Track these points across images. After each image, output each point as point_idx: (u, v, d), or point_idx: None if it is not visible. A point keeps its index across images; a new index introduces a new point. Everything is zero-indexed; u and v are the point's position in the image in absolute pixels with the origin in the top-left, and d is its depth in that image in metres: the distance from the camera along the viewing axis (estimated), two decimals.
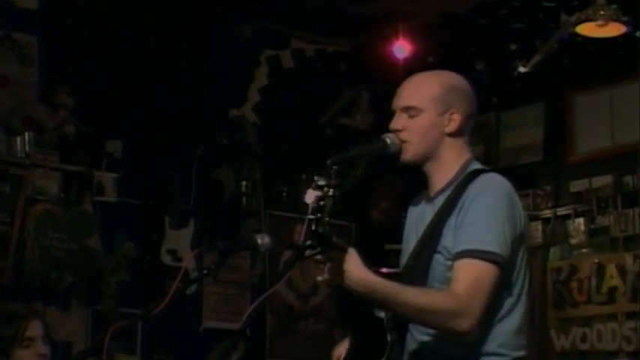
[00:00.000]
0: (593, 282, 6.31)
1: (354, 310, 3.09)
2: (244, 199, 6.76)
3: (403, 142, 3.09)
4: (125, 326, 4.46)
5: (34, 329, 4.01)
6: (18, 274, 5.75)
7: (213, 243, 3.36)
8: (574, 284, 6.41)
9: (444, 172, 3.12)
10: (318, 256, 2.87)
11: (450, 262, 2.98)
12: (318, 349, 6.80)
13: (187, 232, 6.39)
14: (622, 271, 6.20)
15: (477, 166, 3.15)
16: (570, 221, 6.51)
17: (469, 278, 2.90)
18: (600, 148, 6.49)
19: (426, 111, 3.10)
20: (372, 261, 2.94)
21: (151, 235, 6.32)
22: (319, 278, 2.89)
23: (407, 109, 3.11)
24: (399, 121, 3.12)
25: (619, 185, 6.34)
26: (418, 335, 3.04)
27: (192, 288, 6.14)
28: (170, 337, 6.23)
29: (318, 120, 7.10)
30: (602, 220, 6.37)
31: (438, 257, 3.01)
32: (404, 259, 3.18)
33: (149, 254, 6.27)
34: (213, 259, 3.32)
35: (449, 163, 3.12)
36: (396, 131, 3.11)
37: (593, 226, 6.41)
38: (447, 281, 2.97)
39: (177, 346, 6.28)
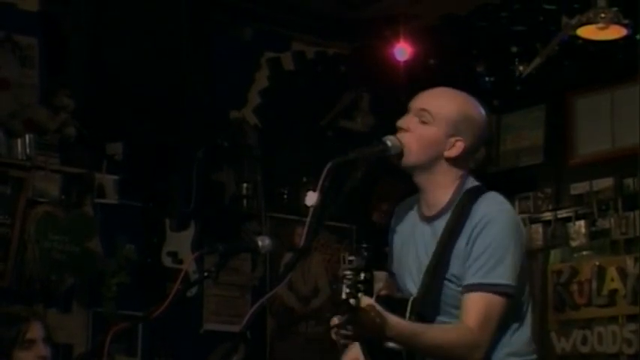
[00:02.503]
0: (594, 285, 6.31)
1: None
2: (245, 202, 6.76)
3: (403, 145, 3.08)
4: (126, 328, 4.47)
5: (35, 331, 4.01)
6: (19, 276, 5.75)
7: (214, 245, 3.35)
8: (575, 287, 6.41)
9: (439, 193, 3.13)
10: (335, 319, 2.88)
11: (460, 289, 3.02)
12: (318, 351, 6.80)
13: (188, 235, 6.38)
14: (623, 273, 6.20)
15: (471, 182, 3.15)
16: (571, 224, 6.51)
17: (480, 313, 2.97)
18: (601, 150, 6.50)
19: (438, 125, 3.09)
20: (373, 263, 2.94)
21: (152, 237, 6.32)
22: (342, 342, 2.94)
23: (421, 112, 3.10)
24: (407, 121, 3.11)
25: (620, 188, 6.34)
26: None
27: (193, 290, 6.15)
28: (170, 340, 6.23)
29: (318, 122, 7.10)
30: (603, 223, 6.37)
31: (448, 284, 3.04)
32: (402, 271, 3.20)
33: (150, 256, 6.27)
34: (213, 262, 3.32)
35: (443, 185, 3.12)
36: (400, 129, 3.10)
37: (593, 229, 6.41)
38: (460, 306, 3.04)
39: (177, 348, 6.28)
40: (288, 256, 6.71)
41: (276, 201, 6.87)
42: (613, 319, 6.24)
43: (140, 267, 6.19)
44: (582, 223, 6.46)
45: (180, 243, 6.33)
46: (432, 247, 3.08)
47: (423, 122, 3.09)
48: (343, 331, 2.87)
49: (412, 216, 3.24)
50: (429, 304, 3.03)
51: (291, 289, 6.81)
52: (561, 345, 6.42)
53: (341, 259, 3.06)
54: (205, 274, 3.32)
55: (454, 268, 3.03)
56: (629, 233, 6.25)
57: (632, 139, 6.21)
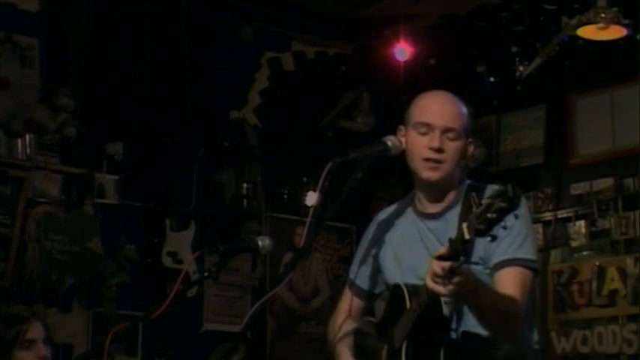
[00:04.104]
0: (594, 285, 6.31)
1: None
2: (245, 202, 6.76)
3: (439, 162, 3.15)
4: (126, 328, 4.46)
5: (35, 331, 4.01)
6: (19, 276, 5.75)
7: (214, 245, 3.38)
8: (575, 287, 6.41)
9: (449, 190, 3.22)
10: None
11: (487, 271, 3.09)
12: (318, 351, 6.80)
13: (188, 235, 6.38)
14: (623, 273, 6.21)
15: (467, 180, 3.26)
16: (571, 224, 6.51)
17: (520, 285, 3.06)
18: (601, 150, 6.50)
19: (462, 138, 3.19)
20: None
21: (152, 237, 6.32)
22: (446, 290, 2.80)
23: (449, 131, 3.17)
24: (440, 141, 3.16)
25: (620, 188, 6.35)
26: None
27: (193, 290, 6.14)
28: (171, 340, 6.23)
29: (319, 122, 7.10)
30: (603, 223, 6.37)
31: (476, 268, 3.09)
32: (400, 272, 3.20)
33: (150, 256, 6.27)
34: (214, 262, 3.33)
35: (452, 183, 3.23)
36: (438, 150, 3.15)
37: (593, 229, 6.41)
38: None
39: (177, 348, 6.28)
40: (288, 256, 6.71)
41: (276, 201, 6.87)
42: (613, 320, 6.24)
43: (140, 267, 6.19)
44: (582, 223, 6.47)
45: (180, 243, 6.33)
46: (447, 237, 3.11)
47: (452, 139, 3.17)
48: (448, 280, 2.76)
49: (406, 219, 3.26)
50: None
51: (291, 289, 6.81)
52: (561, 345, 6.42)
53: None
54: (205, 274, 3.33)
55: (479, 250, 3.09)
56: (629, 233, 6.25)
57: (632, 139, 6.22)
